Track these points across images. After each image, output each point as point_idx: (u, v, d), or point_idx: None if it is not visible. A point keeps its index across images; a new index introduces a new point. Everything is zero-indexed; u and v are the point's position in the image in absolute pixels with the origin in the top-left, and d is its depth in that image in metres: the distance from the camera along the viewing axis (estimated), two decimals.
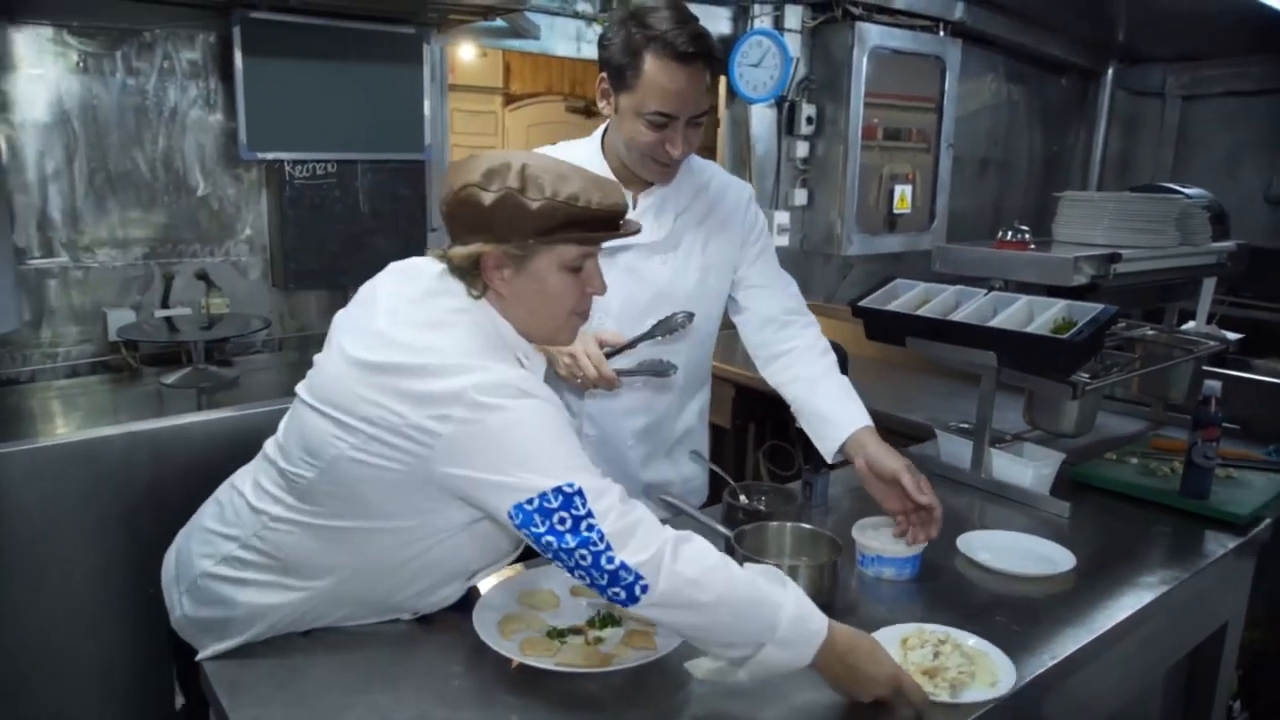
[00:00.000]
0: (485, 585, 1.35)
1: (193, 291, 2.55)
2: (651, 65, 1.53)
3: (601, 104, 1.66)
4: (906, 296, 1.95)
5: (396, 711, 1.13)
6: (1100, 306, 1.68)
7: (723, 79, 3.68)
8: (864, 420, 1.63)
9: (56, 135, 2.35)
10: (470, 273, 1.19)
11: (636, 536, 1.08)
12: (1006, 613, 1.39)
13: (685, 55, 1.50)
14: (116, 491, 1.91)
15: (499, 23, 2.94)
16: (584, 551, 1.07)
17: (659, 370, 1.63)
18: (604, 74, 1.60)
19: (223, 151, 2.57)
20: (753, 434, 3.59)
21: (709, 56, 1.54)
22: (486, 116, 5.48)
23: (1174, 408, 2.37)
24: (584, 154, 1.77)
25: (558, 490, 1.08)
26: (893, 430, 2.57)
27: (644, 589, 1.07)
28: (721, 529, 1.51)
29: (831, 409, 1.66)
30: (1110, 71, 4.99)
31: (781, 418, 3.52)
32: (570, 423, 1.19)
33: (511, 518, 1.10)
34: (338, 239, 2.65)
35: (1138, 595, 1.47)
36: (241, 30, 2.43)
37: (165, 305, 2.51)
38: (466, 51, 4.64)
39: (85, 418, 2.11)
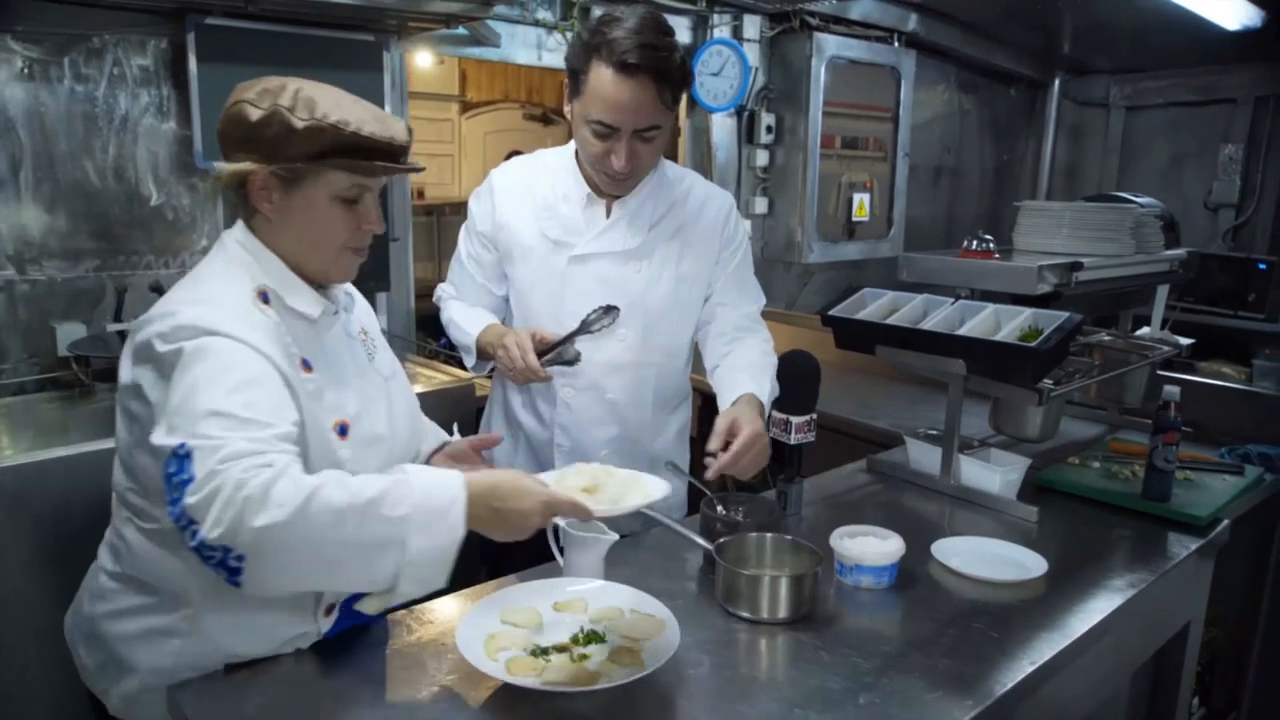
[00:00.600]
0: (467, 606, 1.33)
1: (146, 304, 2.44)
2: (596, 73, 1.53)
3: (566, 107, 1.66)
4: (874, 305, 1.97)
5: None
6: (1065, 314, 1.72)
7: None
8: (752, 388, 1.66)
9: (1, 144, 2.26)
10: (238, 194, 1.18)
11: (215, 506, 0.97)
12: (984, 619, 1.41)
13: (628, 66, 1.50)
14: (65, 518, 1.82)
15: (459, 30, 2.91)
16: (183, 532, 0.98)
17: (567, 359, 1.64)
18: (567, 75, 1.60)
19: (176, 160, 2.50)
20: None
21: (657, 72, 1.51)
22: (443, 124, 5.42)
23: (1129, 411, 2.43)
24: (556, 161, 1.77)
25: (174, 452, 1.00)
26: (859, 437, 2.60)
27: (238, 561, 0.97)
28: (701, 541, 1.50)
29: (737, 376, 1.71)
30: (1057, 82, 5.13)
31: None
32: (266, 369, 1.09)
33: None
34: None
35: (1109, 598, 1.50)
36: (196, 37, 2.37)
37: (118, 319, 2.43)
38: (423, 59, 4.59)
39: (35, 437, 2.03)
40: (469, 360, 1.82)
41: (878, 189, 4.21)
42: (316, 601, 1.25)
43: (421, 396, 2.50)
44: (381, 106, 2.73)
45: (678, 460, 1.91)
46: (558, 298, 1.73)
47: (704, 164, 3.80)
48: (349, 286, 1.36)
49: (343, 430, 1.19)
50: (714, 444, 1.58)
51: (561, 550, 1.48)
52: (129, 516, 1.22)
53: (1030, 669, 1.28)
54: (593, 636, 1.26)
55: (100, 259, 2.42)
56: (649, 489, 1.27)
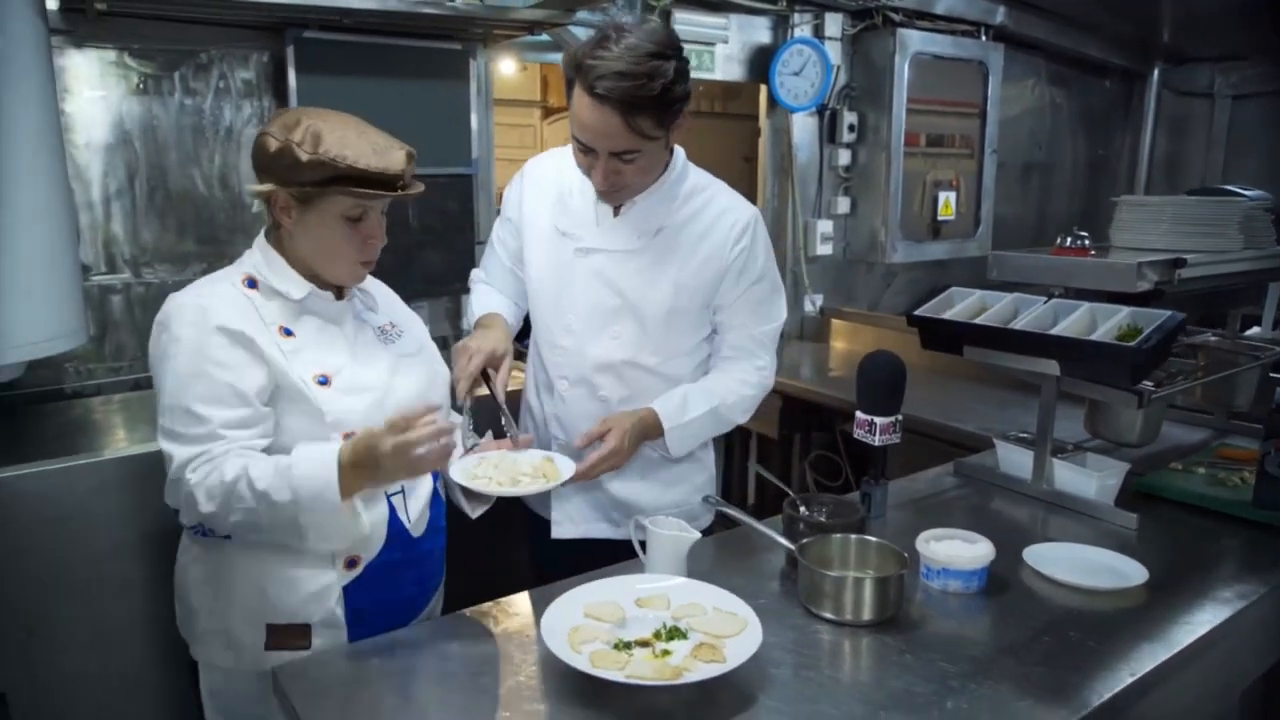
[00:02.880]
0: (551, 600, 1.35)
1: None
2: (576, 93, 1.53)
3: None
4: (962, 305, 1.92)
5: (466, 718, 1.13)
6: (1167, 313, 1.64)
7: (763, 87, 3.68)
8: (660, 408, 1.71)
9: (118, 155, 2.41)
10: (266, 209, 1.41)
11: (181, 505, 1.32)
12: (1080, 628, 1.36)
13: (594, 94, 1.48)
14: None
15: (542, 37, 2.97)
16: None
17: (496, 427, 1.64)
18: None
19: None
20: (798, 444, 3.57)
21: (625, 104, 1.47)
22: (525, 129, 5.52)
23: (1238, 415, 2.31)
24: (563, 161, 1.77)
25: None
26: (947, 440, 2.54)
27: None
28: (784, 541, 1.50)
29: (675, 391, 1.74)
30: (1156, 72, 4.91)
31: (827, 428, 3.51)
32: (215, 347, 1.32)
33: None
34: (387, 252, 2.65)
35: (1215, 610, 1.43)
36: (295, 49, 2.48)
37: None
38: (506, 66, 4.68)
39: (148, 430, 2.14)
40: None
41: (964, 187, 4.10)
42: (333, 556, 1.40)
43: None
44: (467, 113, 2.84)
45: (702, 483, 1.87)
46: (560, 289, 1.75)
47: (785, 164, 3.77)
48: (374, 292, 1.58)
49: (323, 380, 1.39)
50: (579, 441, 1.66)
51: (644, 547, 1.50)
52: None
53: (1130, 680, 1.23)
54: (675, 632, 1.26)
55: (206, 262, 2.55)
56: (559, 473, 1.48)
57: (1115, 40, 4.63)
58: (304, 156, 1.30)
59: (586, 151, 1.58)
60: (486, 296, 1.87)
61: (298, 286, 1.42)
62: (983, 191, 4.16)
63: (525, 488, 1.46)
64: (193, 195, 2.52)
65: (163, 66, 2.44)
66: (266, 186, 1.36)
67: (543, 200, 1.79)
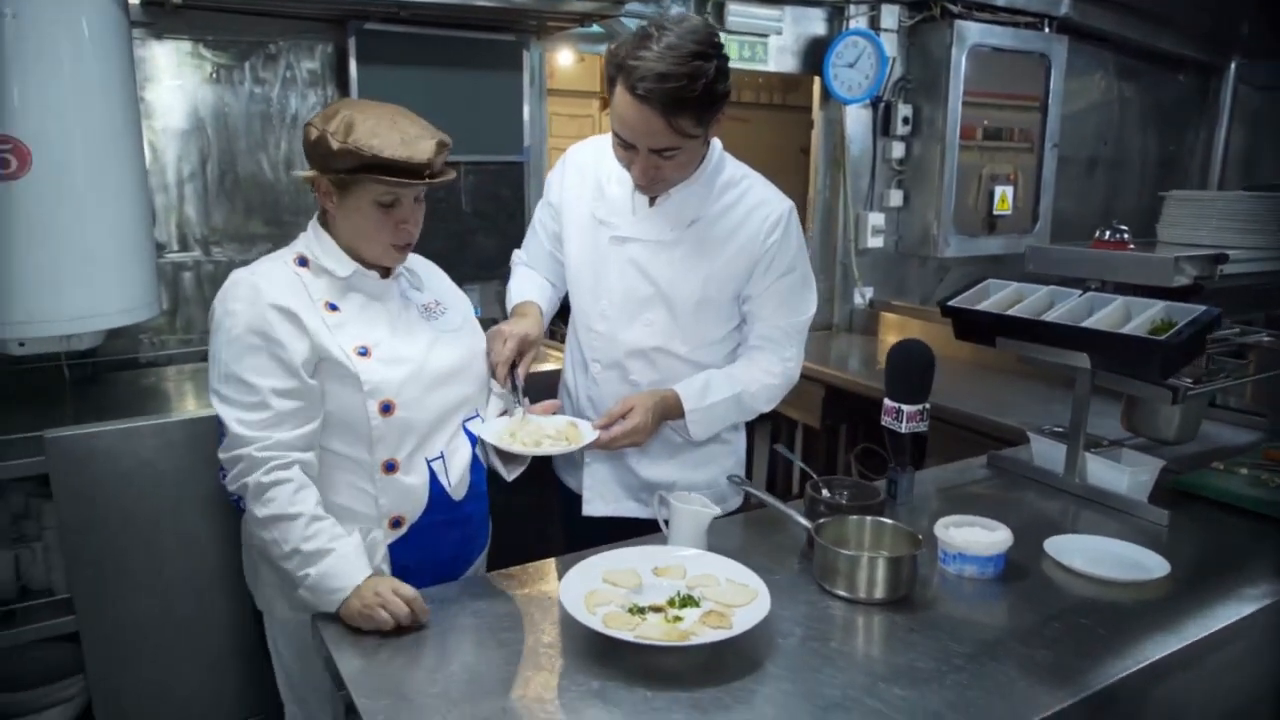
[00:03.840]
0: (572, 565, 1.42)
1: None
2: (618, 90, 1.55)
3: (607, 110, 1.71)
4: (998, 296, 1.92)
5: (488, 669, 1.21)
6: (1202, 308, 1.63)
7: (816, 79, 3.68)
8: (683, 390, 1.74)
9: (192, 140, 2.56)
10: (313, 193, 1.51)
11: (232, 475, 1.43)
12: (1093, 616, 1.37)
13: (634, 93, 1.51)
14: None
15: (595, 29, 3.03)
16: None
17: (507, 403, 1.67)
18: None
19: None
20: (844, 435, 3.57)
21: (666, 104, 1.50)
22: (584, 120, 5.59)
23: None
24: (602, 148, 1.81)
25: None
26: (986, 434, 2.53)
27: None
28: (801, 519, 1.54)
29: (697, 376, 1.77)
30: (1233, 66, 4.73)
31: (873, 419, 3.50)
32: (278, 337, 1.42)
33: None
34: (441, 237, 2.79)
35: (1238, 605, 1.42)
36: (357, 41, 2.59)
37: None
38: (565, 57, 4.76)
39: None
40: None
41: (1022, 181, 4.03)
42: (378, 512, 1.51)
43: (548, 375, 2.65)
44: (520, 103, 2.93)
45: (730, 463, 1.90)
46: (596, 275, 1.80)
47: (837, 155, 3.77)
48: (421, 272, 1.67)
49: (363, 351, 1.48)
50: (600, 421, 1.68)
51: (667, 522, 1.55)
52: None
53: (1135, 667, 1.24)
54: (688, 600, 1.32)
55: (272, 243, 2.68)
56: (581, 436, 1.57)
57: (1189, 32, 4.49)
58: (335, 145, 1.38)
59: (626, 147, 1.61)
60: (525, 281, 1.92)
61: (343, 265, 1.51)
62: (1042, 186, 4.09)
63: (547, 449, 1.55)
64: (259, 179, 2.66)
65: (234, 57, 2.57)
66: (310, 172, 1.47)
67: (582, 186, 1.84)
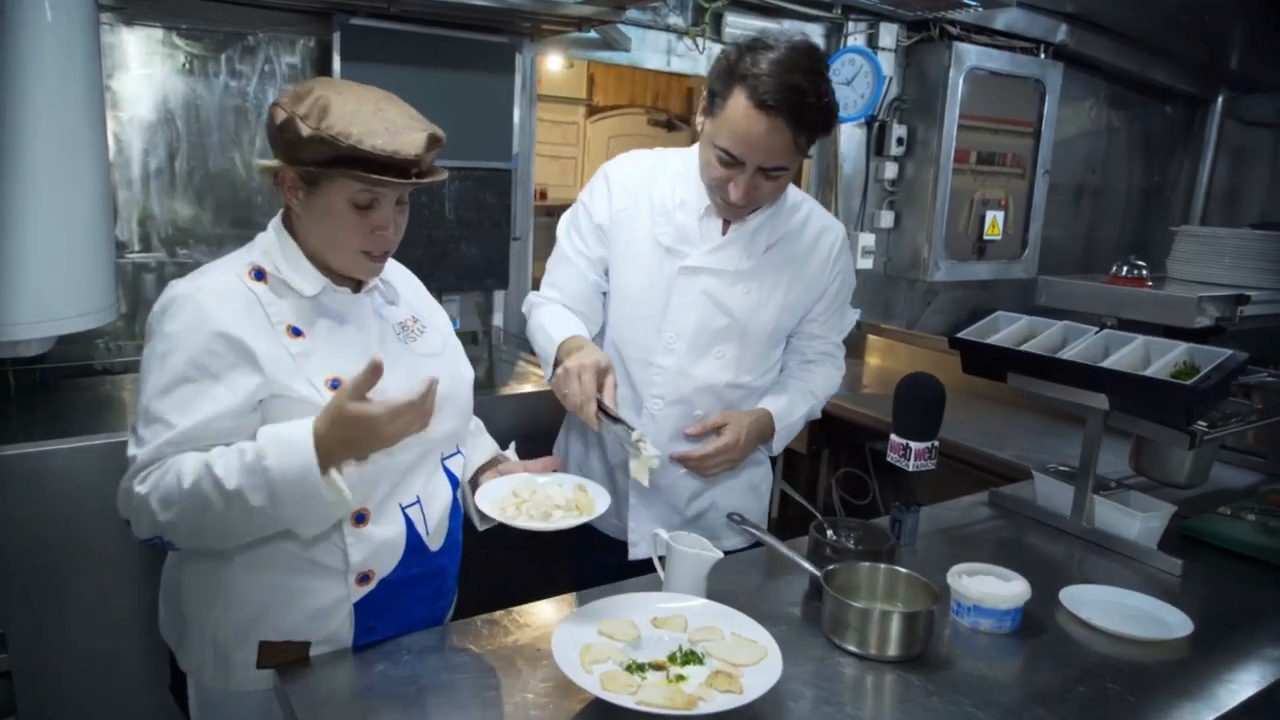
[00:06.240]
0: (564, 611, 1.31)
1: None
2: (734, 101, 1.47)
3: (696, 119, 1.61)
4: (1008, 330, 1.85)
5: None
6: (1228, 352, 1.56)
7: None
8: (773, 408, 1.74)
9: (160, 134, 2.41)
10: (275, 187, 1.26)
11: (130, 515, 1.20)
12: (1119, 679, 1.29)
13: (765, 105, 1.43)
14: None
15: (591, 34, 2.93)
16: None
17: (620, 437, 1.48)
18: (706, 90, 1.56)
19: None
20: (826, 460, 3.50)
21: (796, 117, 1.44)
22: (569, 126, 5.49)
23: None
24: (678, 165, 1.72)
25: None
26: (981, 468, 2.46)
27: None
28: (808, 566, 1.44)
29: (775, 393, 1.77)
30: (1220, 99, 4.75)
31: (857, 445, 3.44)
32: (214, 352, 1.18)
33: None
34: (421, 244, 2.67)
35: (1262, 669, 1.35)
36: (341, 36, 2.47)
37: None
38: (554, 62, 4.66)
39: None
40: (547, 372, 1.65)
41: (1013, 207, 4.00)
42: (346, 568, 1.27)
43: (530, 397, 2.53)
44: (510, 107, 2.81)
45: (749, 508, 1.83)
46: (660, 306, 1.68)
47: (830, 174, 3.70)
48: (396, 283, 1.43)
49: (335, 384, 1.23)
50: (694, 429, 1.65)
51: (663, 563, 1.45)
52: None
53: None
54: (691, 657, 1.21)
55: (242, 244, 2.53)
56: (593, 506, 1.35)
57: (1181, 64, 4.49)
58: (305, 131, 1.14)
59: (729, 164, 1.51)
60: (559, 317, 1.68)
61: (310, 282, 1.26)
62: (1032, 213, 4.06)
63: (558, 522, 1.32)
64: (231, 177, 2.52)
65: (209, 47, 2.44)
66: (273, 162, 1.22)
67: (636, 209, 1.70)
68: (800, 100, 1.44)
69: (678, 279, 1.67)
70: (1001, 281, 4.03)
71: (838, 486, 3.43)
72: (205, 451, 1.17)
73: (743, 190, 1.52)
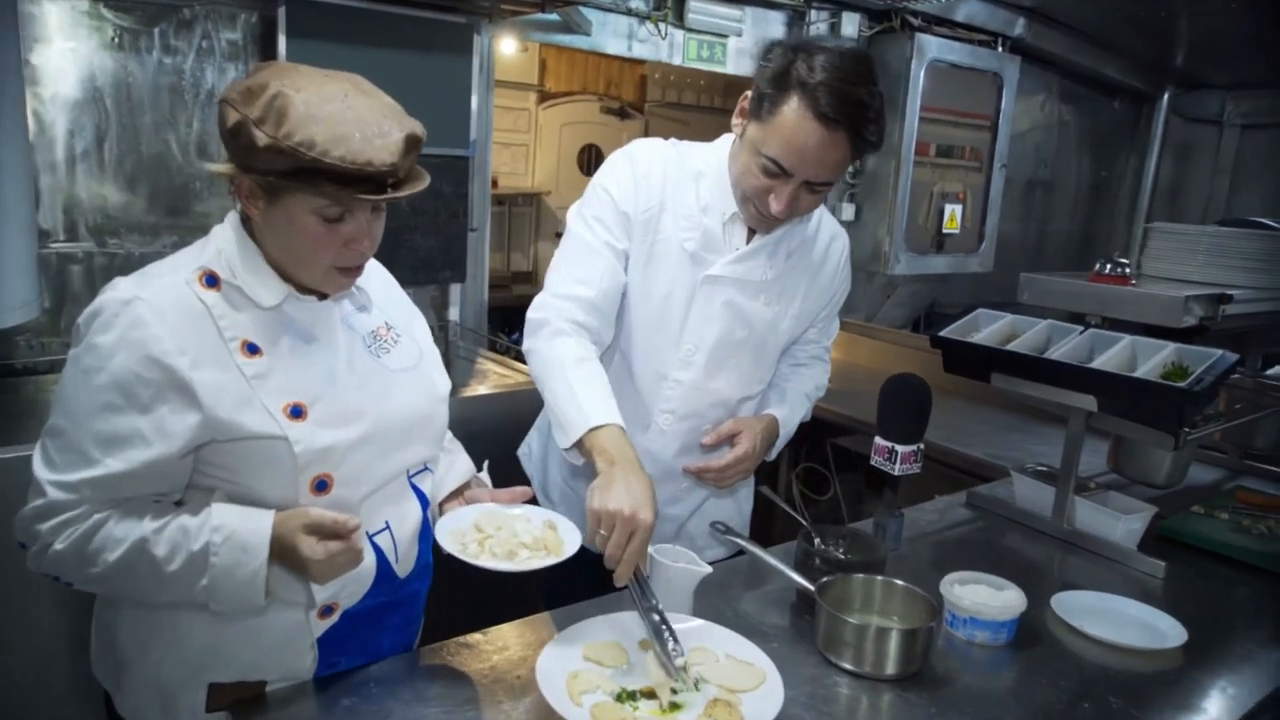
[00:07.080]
0: (540, 632, 1.22)
1: None
2: (789, 109, 1.35)
3: (735, 120, 1.50)
4: (991, 329, 1.81)
5: None
6: (1217, 353, 1.54)
7: None
8: (778, 414, 1.68)
9: (87, 113, 2.23)
10: (230, 193, 1.09)
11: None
12: (1120, 693, 1.25)
13: (825, 117, 1.33)
14: None
15: (552, 16, 2.82)
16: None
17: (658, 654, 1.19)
18: (750, 92, 1.45)
19: None
20: (787, 456, 3.46)
21: (856, 131, 1.35)
22: (520, 113, 5.35)
23: (1252, 456, 2.23)
24: (704, 163, 1.58)
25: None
26: (954, 466, 2.44)
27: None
28: (801, 580, 1.37)
29: (775, 400, 1.71)
30: (1166, 96, 4.85)
31: (816, 440, 3.40)
32: (144, 378, 1.03)
33: None
34: None
35: (1257, 680, 1.33)
36: (287, 11, 2.31)
37: None
38: (506, 46, 4.51)
39: None
40: (562, 439, 1.39)
41: (971, 200, 4.00)
42: (309, 603, 1.15)
43: (490, 399, 2.41)
44: (468, 92, 2.68)
45: (733, 518, 1.77)
46: (680, 316, 1.56)
47: None
48: (368, 285, 1.27)
49: (296, 411, 1.09)
50: (708, 439, 1.58)
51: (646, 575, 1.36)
52: None
53: None
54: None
55: (179, 234, 2.38)
56: (562, 546, 1.24)
57: (1130, 60, 4.56)
58: (261, 140, 0.98)
59: (774, 175, 1.40)
60: (597, 384, 1.41)
61: (272, 290, 1.11)
62: (989, 206, 4.07)
63: (524, 563, 1.20)
64: (166, 161, 2.35)
65: (141, 20, 2.26)
66: (225, 167, 1.05)
67: (663, 208, 1.55)
68: (862, 114, 1.34)
69: (700, 288, 1.55)
70: (959, 275, 4.04)
71: (798, 481, 3.39)
72: (130, 508, 1.06)
73: (785, 203, 1.42)
